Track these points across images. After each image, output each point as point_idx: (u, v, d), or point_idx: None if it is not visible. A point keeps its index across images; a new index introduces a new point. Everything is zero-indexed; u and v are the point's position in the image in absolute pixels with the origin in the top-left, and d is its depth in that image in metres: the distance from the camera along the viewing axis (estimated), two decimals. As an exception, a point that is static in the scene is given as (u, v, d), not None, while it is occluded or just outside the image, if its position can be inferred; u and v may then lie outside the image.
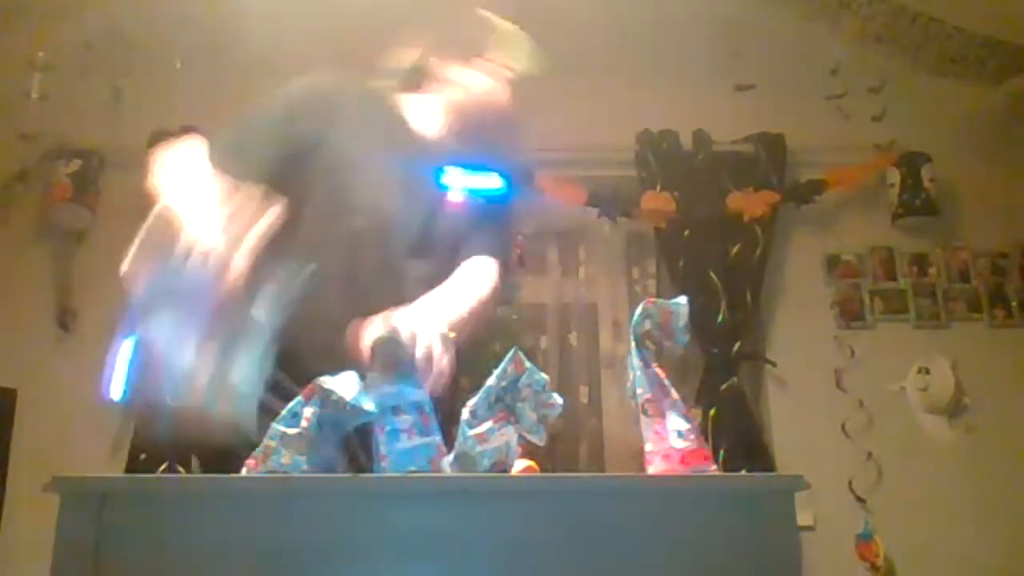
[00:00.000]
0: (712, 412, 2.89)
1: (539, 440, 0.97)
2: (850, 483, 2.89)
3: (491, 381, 0.97)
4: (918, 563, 2.81)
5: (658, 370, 1.03)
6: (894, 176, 3.17)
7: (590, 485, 0.92)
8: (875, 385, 3.00)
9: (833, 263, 3.18)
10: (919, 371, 3.03)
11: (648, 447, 0.99)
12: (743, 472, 2.72)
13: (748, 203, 3.10)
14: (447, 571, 0.85)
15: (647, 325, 1.04)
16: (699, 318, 3.02)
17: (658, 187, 3.12)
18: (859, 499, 2.88)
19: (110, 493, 0.85)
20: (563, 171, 3.07)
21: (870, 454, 2.92)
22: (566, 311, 3.25)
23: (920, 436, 2.99)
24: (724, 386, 2.92)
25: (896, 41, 3.13)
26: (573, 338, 3.22)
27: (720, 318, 2.99)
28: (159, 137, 3.08)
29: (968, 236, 3.22)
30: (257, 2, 2.88)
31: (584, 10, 2.83)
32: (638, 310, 1.05)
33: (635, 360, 1.03)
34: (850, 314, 3.12)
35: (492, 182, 1.51)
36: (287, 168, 1.37)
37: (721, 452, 2.85)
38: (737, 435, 2.88)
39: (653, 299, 1.06)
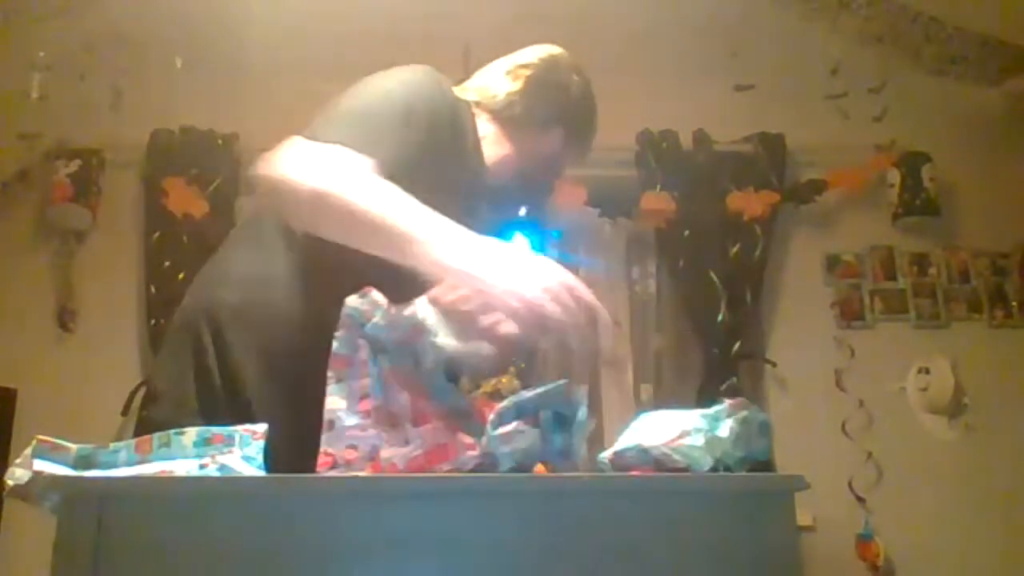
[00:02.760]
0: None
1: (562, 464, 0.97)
2: (850, 483, 2.89)
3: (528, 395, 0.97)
4: (918, 563, 2.81)
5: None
6: (894, 176, 3.17)
7: (590, 485, 0.92)
8: (875, 385, 3.00)
9: (833, 263, 3.18)
10: (919, 371, 3.03)
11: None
12: (743, 472, 2.72)
13: (748, 203, 3.10)
14: (446, 571, 0.85)
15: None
16: (699, 318, 3.03)
17: (658, 187, 3.12)
18: (859, 499, 2.88)
19: (110, 493, 0.85)
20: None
21: (870, 454, 2.92)
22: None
23: (920, 436, 2.99)
24: (724, 386, 2.92)
25: (896, 41, 3.13)
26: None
27: (720, 318, 2.99)
28: (159, 137, 3.09)
29: (968, 236, 3.22)
30: (257, 2, 2.88)
31: (583, 10, 2.83)
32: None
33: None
34: (850, 314, 3.12)
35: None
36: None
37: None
38: (737, 435, 2.88)
39: None
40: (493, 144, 1.46)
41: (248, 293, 1.28)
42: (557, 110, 1.48)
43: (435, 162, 1.28)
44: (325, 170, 1.14)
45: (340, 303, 1.19)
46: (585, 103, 1.52)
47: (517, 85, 1.47)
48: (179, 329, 1.31)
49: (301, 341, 1.24)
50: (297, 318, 1.26)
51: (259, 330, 1.25)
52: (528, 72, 1.48)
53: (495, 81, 1.49)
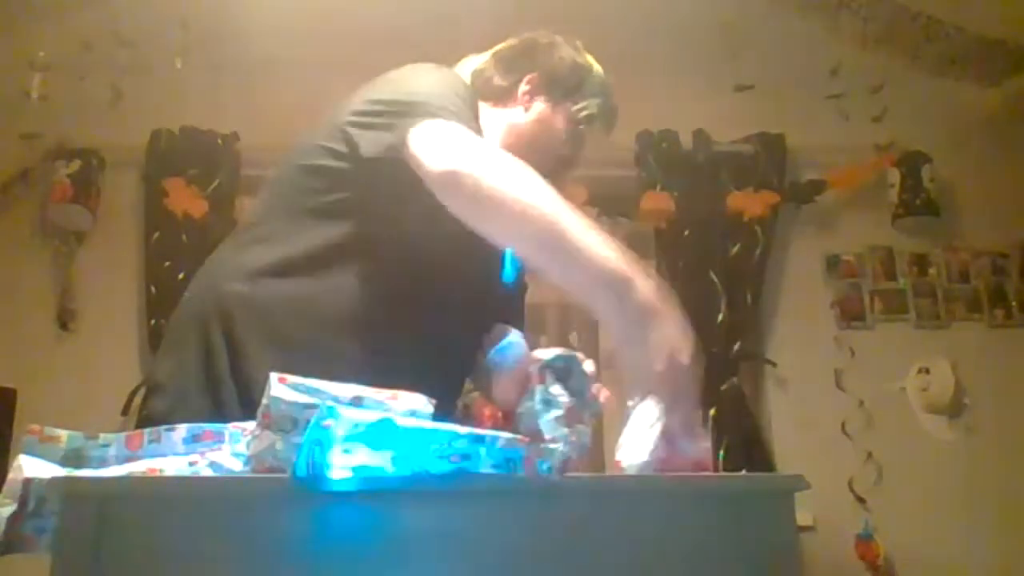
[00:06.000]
0: (712, 412, 2.89)
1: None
2: (850, 483, 2.89)
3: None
4: (918, 563, 2.81)
5: None
6: (894, 176, 3.17)
7: (589, 485, 0.92)
8: (875, 385, 3.00)
9: (833, 263, 3.18)
10: (919, 371, 3.03)
11: None
12: (743, 472, 2.72)
13: (748, 203, 3.10)
14: (446, 571, 0.85)
15: None
16: (699, 318, 3.02)
17: (658, 187, 3.12)
18: (859, 499, 2.88)
19: (110, 493, 0.85)
20: (563, 171, 3.07)
21: (870, 454, 2.92)
22: (566, 311, 3.25)
23: (920, 436, 2.99)
24: (724, 386, 2.92)
25: (896, 41, 3.13)
26: (573, 338, 3.22)
27: (720, 318, 2.99)
28: (159, 137, 3.09)
29: (968, 236, 3.22)
30: (257, 2, 2.88)
31: (583, 10, 2.83)
32: None
33: None
34: (850, 314, 3.12)
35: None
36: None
37: (721, 452, 2.85)
38: (737, 435, 2.88)
39: None
40: (492, 129, 1.45)
41: (263, 285, 1.25)
42: (526, 62, 1.47)
43: None
44: (496, 166, 1.14)
45: (359, 300, 1.20)
46: (569, 56, 1.49)
47: (486, 58, 1.49)
48: (184, 322, 1.29)
49: (318, 335, 1.23)
50: (315, 312, 1.24)
51: (274, 322, 1.23)
52: (499, 47, 1.50)
53: (470, 65, 1.51)
